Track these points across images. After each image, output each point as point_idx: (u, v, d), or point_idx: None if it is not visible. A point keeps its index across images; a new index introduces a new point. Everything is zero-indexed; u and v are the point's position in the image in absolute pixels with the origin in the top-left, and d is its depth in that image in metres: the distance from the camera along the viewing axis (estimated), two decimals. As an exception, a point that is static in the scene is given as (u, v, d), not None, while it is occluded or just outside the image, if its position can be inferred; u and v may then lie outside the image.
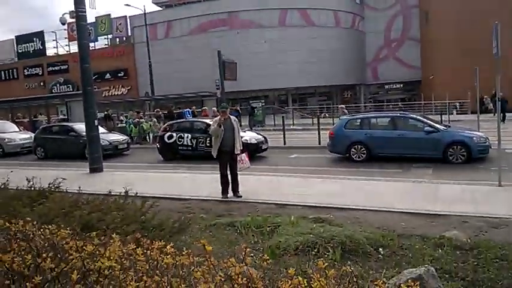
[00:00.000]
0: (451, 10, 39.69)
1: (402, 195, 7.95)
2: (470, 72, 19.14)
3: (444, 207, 6.86)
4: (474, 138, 11.60)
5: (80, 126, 15.81)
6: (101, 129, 14.68)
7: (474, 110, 23.72)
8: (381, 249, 4.82)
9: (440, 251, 4.70)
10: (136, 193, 6.78)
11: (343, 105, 20.46)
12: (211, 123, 13.62)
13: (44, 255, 1.73)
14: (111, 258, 1.75)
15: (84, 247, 1.83)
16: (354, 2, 47.00)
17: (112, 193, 6.76)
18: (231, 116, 8.55)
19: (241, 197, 8.29)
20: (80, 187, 6.85)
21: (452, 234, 5.17)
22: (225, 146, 8.22)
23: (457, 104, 32.28)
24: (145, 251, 1.96)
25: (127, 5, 33.70)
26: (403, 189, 8.51)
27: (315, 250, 4.66)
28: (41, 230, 2.26)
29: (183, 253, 1.91)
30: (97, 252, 1.81)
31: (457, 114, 30.10)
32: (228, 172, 8.41)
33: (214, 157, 8.40)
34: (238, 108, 28.33)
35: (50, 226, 2.38)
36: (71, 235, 2.16)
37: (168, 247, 1.97)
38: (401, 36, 48.86)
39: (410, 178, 9.58)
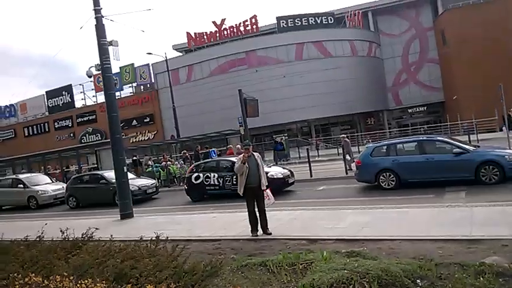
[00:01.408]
0: (466, 28, 39.60)
1: (436, 221, 7.71)
2: (493, 88, 18.86)
3: (481, 231, 6.60)
4: (506, 156, 11.23)
5: (110, 174, 16.20)
6: (130, 175, 14.98)
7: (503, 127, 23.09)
8: (418, 280, 4.65)
9: (481, 279, 4.49)
10: (167, 237, 6.85)
11: (344, 135, 20.21)
12: (235, 160, 13.77)
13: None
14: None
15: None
16: (368, 31, 47.50)
17: (143, 238, 6.85)
18: (254, 153, 8.61)
19: (271, 234, 8.21)
20: (111, 235, 6.98)
21: (493, 260, 4.95)
22: (250, 183, 8.24)
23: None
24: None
25: (149, 53, 35.05)
26: (437, 214, 8.26)
27: (350, 286, 4.54)
28: (77, 285, 2.32)
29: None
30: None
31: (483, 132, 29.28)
32: (256, 209, 8.39)
33: (241, 194, 8.40)
34: (282, 141, 28.56)
35: (85, 281, 2.43)
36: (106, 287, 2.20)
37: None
38: (420, 59, 48.82)
39: (444, 203, 9.31)
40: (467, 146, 12.08)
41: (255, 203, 8.36)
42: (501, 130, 26.63)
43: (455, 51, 41.47)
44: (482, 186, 10.81)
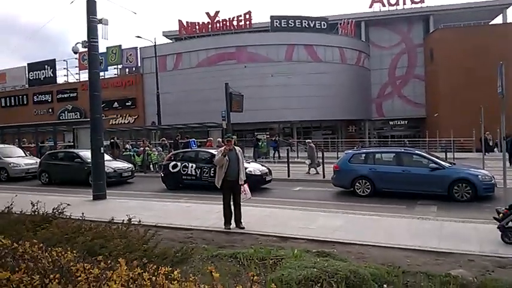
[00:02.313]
0: (455, 49, 40.42)
1: (407, 231, 7.86)
2: (475, 110, 19.33)
3: (449, 245, 6.76)
4: (479, 176, 11.53)
5: (85, 153, 15.95)
6: (106, 157, 14.76)
7: (479, 148, 23.66)
8: (385, 285, 4.73)
9: (446, 289, 4.61)
10: (139, 221, 6.78)
11: (310, 140, 20.75)
12: (215, 153, 13.70)
13: (52, 276, 1.74)
14: (118, 282, 1.75)
15: (91, 270, 1.84)
16: (359, 40, 47.97)
17: (115, 220, 6.77)
18: (236, 147, 8.60)
19: (243, 228, 8.24)
20: (83, 213, 6.86)
21: (458, 273, 5.08)
22: (229, 176, 8.23)
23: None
24: (151, 276, 1.96)
25: (138, 36, 34.67)
26: (408, 225, 8.41)
27: (319, 285, 4.58)
28: (47, 252, 2.27)
29: (190, 279, 1.90)
30: (104, 275, 1.82)
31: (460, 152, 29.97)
32: (231, 203, 8.39)
33: (218, 187, 8.39)
34: (277, 139, 28.70)
35: (56, 249, 2.39)
36: (77, 258, 2.16)
37: (175, 273, 1.96)
38: (406, 74, 49.57)
39: (415, 215, 9.48)
40: (443, 163, 12.35)
41: (231, 196, 8.37)
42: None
43: (442, 69, 42.28)
44: (453, 203, 11.06)
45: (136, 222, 6.63)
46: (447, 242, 6.92)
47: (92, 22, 12.75)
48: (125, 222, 6.41)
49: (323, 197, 12.87)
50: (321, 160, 17.71)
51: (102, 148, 12.94)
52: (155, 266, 2.18)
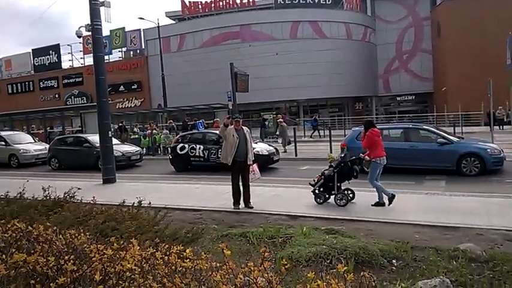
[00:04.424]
0: (462, 21, 39.65)
1: (415, 207, 7.89)
2: (483, 83, 19.06)
3: (458, 219, 6.78)
4: (488, 150, 11.46)
5: (94, 138, 16.04)
6: (115, 141, 14.85)
7: (488, 122, 23.44)
8: (394, 261, 4.78)
9: (454, 263, 4.64)
10: (149, 203, 6.86)
11: (281, 120, 21.47)
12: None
13: (66, 257, 1.78)
14: (131, 261, 1.79)
15: (105, 250, 1.88)
16: (365, 15, 47.17)
17: (125, 203, 6.85)
18: (244, 127, 8.59)
19: (252, 208, 8.30)
20: (94, 197, 6.94)
21: (467, 247, 5.11)
22: (238, 157, 8.25)
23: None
24: (163, 255, 2.00)
25: (141, 18, 34.43)
26: (416, 201, 8.44)
27: (328, 261, 4.65)
28: (61, 235, 2.32)
29: (202, 257, 1.94)
30: (117, 256, 1.86)
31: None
32: (240, 183, 8.43)
33: (229, 164, 8.35)
34: (317, 117, 28.68)
35: (69, 231, 2.44)
36: (90, 240, 2.21)
37: (187, 251, 2.00)
38: (413, 48, 48.82)
39: (423, 190, 9.49)
40: (451, 137, 12.26)
41: (240, 176, 8.41)
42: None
43: (449, 43, 41.58)
44: (462, 177, 11.03)
45: (147, 205, 6.71)
46: (456, 217, 6.94)
47: (94, 5, 12.64)
48: (135, 204, 6.49)
49: (331, 174, 12.86)
50: (292, 139, 18.37)
51: (110, 132, 13.00)
52: (167, 246, 2.23)
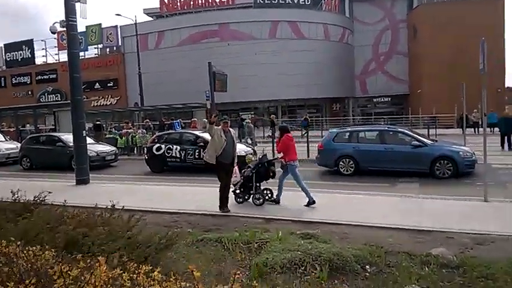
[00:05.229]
0: (438, 25, 40.49)
1: (389, 210, 7.99)
2: (457, 86, 19.52)
3: (430, 223, 6.90)
4: (460, 152, 11.72)
5: (67, 137, 15.68)
6: (89, 140, 14.54)
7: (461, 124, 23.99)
8: (367, 266, 4.82)
9: (426, 269, 4.71)
10: (123, 206, 6.69)
11: (248, 120, 22.83)
12: (200, 135, 13.59)
13: (27, 281, 1.70)
14: (97, 284, 1.73)
15: (69, 271, 1.80)
16: (343, 16, 47.66)
17: (98, 206, 6.67)
18: (231, 129, 8.55)
19: (229, 211, 8.26)
20: (65, 200, 6.74)
21: (439, 252, 5.20)
22: (225, 159, 8.19)
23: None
24: (132, 275, 1.94)
25: (118, 14, 33.76)
26: (390, 204, 8.55)
27: (302, 268, 4.65)
28: (25, 252, 2.23)
29: (171, 279, 1.89)
30: (82, 277, 1.79)
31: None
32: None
33: (214, 163, 8.26)
34: (307, 117, 28.49)
35: (33, 248, 2.34)
36: (55, 257, 2.12)
37: (155, 272, 1.94)
38: (389, 50, 49.64)
39: (397, 193, 9.64)
40: (425, 140, 12.49)
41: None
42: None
43: (424, 45, 42.43)
44: (435, 179, 11.26)
45: (120, 208, 6.56)
46: (428, 220, 7.06)
47: (70, 0, 12.34)
48: (108, 207, 6.33)
49: (307, 176, 12.82)
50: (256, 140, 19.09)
51: (84, 131, 12.71)
52: (135, 265, 2.16)
